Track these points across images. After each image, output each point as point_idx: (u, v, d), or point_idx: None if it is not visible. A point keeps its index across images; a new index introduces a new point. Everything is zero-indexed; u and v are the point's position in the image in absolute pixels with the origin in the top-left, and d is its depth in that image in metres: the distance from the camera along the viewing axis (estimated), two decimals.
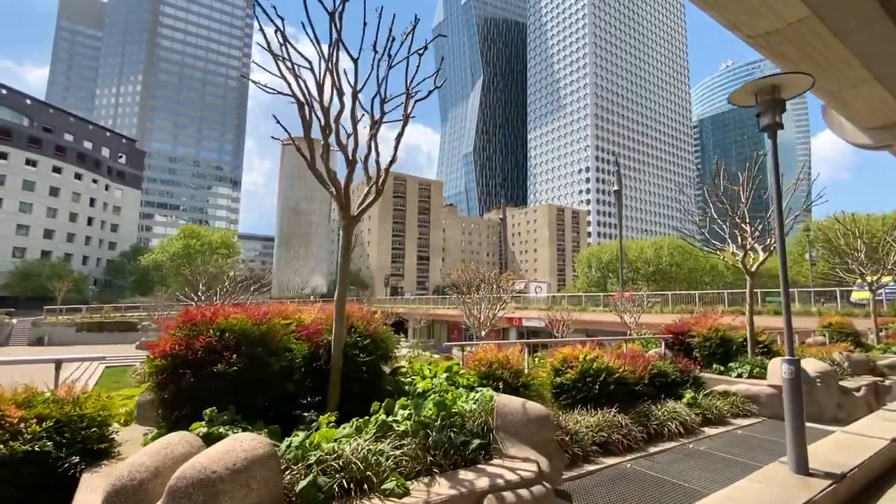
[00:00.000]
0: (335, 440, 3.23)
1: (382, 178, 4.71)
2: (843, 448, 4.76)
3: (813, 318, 20.90)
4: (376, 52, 4.67)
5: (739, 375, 7.93)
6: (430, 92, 5.05)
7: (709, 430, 6.37)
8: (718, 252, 10.14)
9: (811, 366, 7.26)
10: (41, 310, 45.64)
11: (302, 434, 3.06)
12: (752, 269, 9.28)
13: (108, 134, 78.53)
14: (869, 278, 13.74)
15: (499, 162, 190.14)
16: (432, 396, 4.33)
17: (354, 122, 4.52)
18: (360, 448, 2.94)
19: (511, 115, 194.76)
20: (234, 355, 3.65)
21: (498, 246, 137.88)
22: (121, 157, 78.97)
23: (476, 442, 3.44)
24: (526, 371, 6.97)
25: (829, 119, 12.00)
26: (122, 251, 75.35)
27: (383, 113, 4.52)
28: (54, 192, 64.75)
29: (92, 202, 71.50)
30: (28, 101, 63.69)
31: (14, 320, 43.60)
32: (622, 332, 26.53)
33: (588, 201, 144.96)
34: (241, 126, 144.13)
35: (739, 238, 9.42)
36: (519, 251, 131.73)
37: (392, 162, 4.82)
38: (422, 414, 3.61)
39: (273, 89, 4.79)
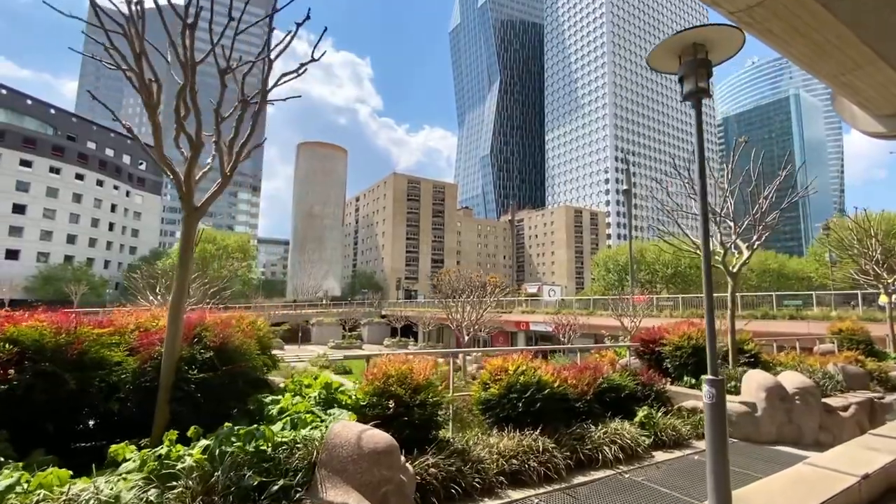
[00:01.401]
0: (104, 483, 2.59)
1: (231, 162, 4.07)
2: (797, 486, 3.88)
3: (832, 323, 19.45)
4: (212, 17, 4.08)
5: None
6: (302, 65, 4.43)
7: (660, 456, 5.51)
8: (697, 251, 9.18)
9: (789, 380, 6.30)
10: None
11: (16, 475, 2.42)
12: (734, 270, 8.32)
13: (128, 141, 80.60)
14: (885, 280, 12.47)
15: (516, 164, 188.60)
16: (284, 420, 3.67)
17: (194, 98, 3.91)
18: (81, 495, 2.28)
19: (528, 117, 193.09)
20: (13, 371, 3.05)
21: (513, 248, 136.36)
22: (141, 163, 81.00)
23: (280, 483, 2.75)
24: (451, 385, 6.24)
25: (839, 107, 10.89)
26: (143, 255, 77.07)
27: (225, 85, 3.89)
28: (77, 198, 66.69)
29: (113, 208, 73.45)
30: (52, 111, 65.86)
31: None
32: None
33: (608, 202, 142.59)
34: (261, 133, 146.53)
35: (720, 235, 8.48)
36: (536, 254, 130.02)
37: (250, 144, 4.18)
38: (232, 445, 2.93)
39: (112, 65, 4.23)
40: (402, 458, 3.59)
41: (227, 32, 4.25)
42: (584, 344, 28.78)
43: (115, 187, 73.81)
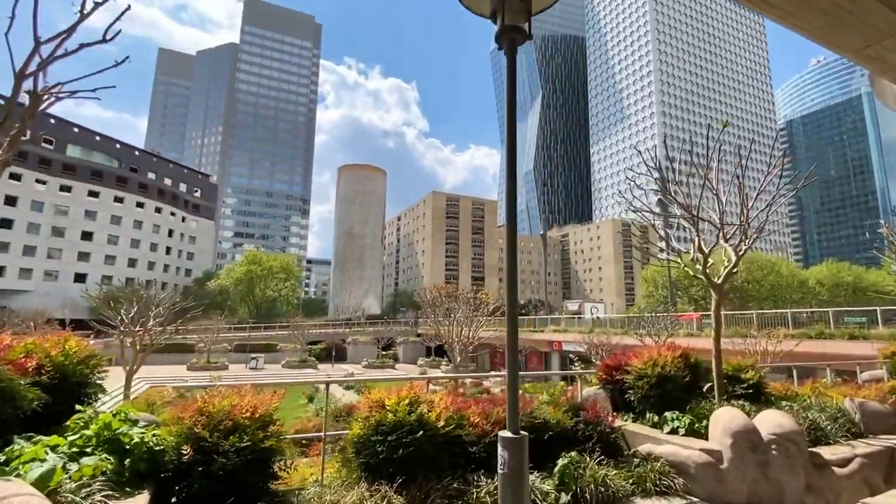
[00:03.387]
0: None
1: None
2: None
3: (885, 344, 16.64)
4: None
5: (674, 430, 5.57)
6: (83, 46, 3.81)
7: None
8: (678, 259, 7.77)
9: (767, 422, 4.86)
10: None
11: None
12: (719, 281, 6.86)
13: (185, 171, 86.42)
14: None
15: (561, 178, 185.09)
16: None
17: None
18: None
19: (572, 130, 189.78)
20: None
21: (560, 265, 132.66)
22: (196, 191, 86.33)
23: None
24: (325, 418, 5.35)
25: (879, 90, 9.25)
26: (197, 277, 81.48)
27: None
28: (137, 224, 71.79)
29: (170, 233, 78.39)
30: (118, 146, 71.83)
31: (92, 341, 47.91)
32: None
33: (659, 214, 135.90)
34: (309, 158, 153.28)
35: (697, 239, 7.07)
36: (582, 270, 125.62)
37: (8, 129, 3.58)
38: None
39: None
40: None
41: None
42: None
43: (172, 213, 78.88)
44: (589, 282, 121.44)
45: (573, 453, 4.95)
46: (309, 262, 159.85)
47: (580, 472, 4.74)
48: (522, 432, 2.30)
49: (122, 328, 12.24)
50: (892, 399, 6.92)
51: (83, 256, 65.18)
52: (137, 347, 12.00)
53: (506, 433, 2.29)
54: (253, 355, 44.56)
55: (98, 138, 69.09)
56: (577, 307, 63.32)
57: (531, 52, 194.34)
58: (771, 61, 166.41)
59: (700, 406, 6.28)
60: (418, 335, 60.74)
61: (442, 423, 4.48)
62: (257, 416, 3.93)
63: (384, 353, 54.60)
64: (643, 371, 6.27)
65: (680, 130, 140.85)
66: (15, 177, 58.61)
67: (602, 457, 5.18)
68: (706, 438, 5.32)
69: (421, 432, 4.30)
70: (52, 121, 64.17)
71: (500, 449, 2.30)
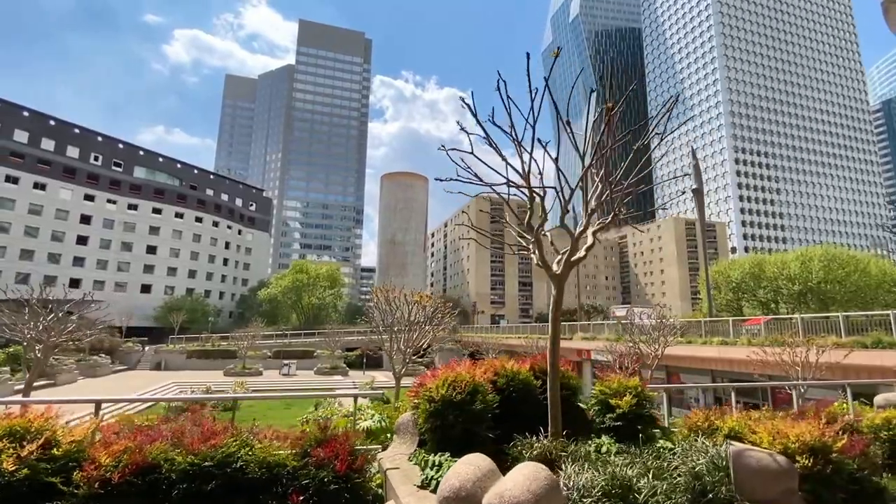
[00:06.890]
0: None
1: None
2: None
3: None
4: None
5: (426, 482, 3.92)
6: None
7: None
8: (518, 246, 5.91)
9: (495, 488, 3.14)
10: (180, 339, 54.03)
11: None
12: (558, 270, 5.02)
13: (240, 186, 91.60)
14: None
15: (619, 177, 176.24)
16: None
17: None
18: None
19: (631, 127, 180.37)
20: None
21: (618, 268, 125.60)
22: (251, 205, 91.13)
23: None
24: None
25: (890, 18, 7.18)
26: (252, 287, 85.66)
27: None
28: (196, 238, 76.76)
29: (227, 245, 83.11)
30: (178, 165, 77.51)
31: (146, 348, 51.50)
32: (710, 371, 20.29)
33: (728, 211, 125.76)
34: (361, 171, 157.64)
35: (527, 216, 5.28)
36: (643, 273, 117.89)
37: None
38: None
39: None
40: None
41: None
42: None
43: (229, 227, 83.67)
44: (650, 285, 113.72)
45: None
46: (364, 270, 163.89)
47: None
48: None
49: (27, 338, 12.03)
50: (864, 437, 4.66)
51: (148, 269, 70.55)
52: (41, 356, 11.75)
53: None
54: (285, 361, 45.45)
55: (161, 159, 74.96)
56: (624, 313, 58.82)
57: (584, 49, 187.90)
58: (860, 37, 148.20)
59: (514, 447, 4.54)
60: (457, 342, 59.56)
61: (11, 466, 3.25)
62: None
63: (418, 359, 53.77)
64: (430, 394, 4.65)
65: (754, 120, 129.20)
66: (89, 198, 64.86)
67: None
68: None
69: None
70: (121, 146, 70.52)
71: None
